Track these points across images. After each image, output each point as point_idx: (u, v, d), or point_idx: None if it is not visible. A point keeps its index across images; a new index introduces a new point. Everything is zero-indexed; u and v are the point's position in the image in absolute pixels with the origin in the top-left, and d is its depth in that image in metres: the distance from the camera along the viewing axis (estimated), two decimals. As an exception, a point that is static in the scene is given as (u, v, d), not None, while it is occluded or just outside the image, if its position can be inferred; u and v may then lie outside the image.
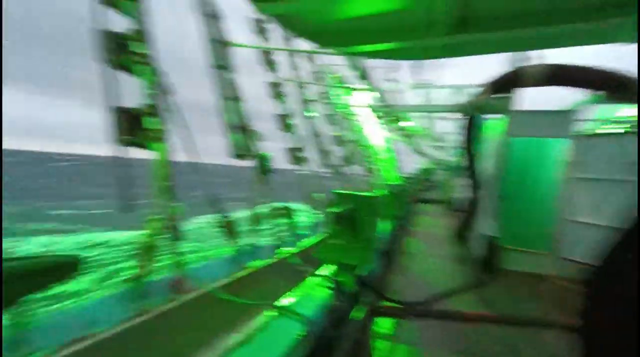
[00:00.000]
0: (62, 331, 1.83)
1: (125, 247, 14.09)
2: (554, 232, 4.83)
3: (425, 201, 13.61)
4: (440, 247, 6.19)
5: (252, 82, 3.69)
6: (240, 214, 3.21)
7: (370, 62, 4.97)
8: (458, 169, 10.45)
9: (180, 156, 2.46)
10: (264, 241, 3.70)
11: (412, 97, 14.90)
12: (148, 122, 2.23)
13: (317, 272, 2.92)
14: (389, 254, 5.05)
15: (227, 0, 3.10)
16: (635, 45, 1.69)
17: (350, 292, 2.54)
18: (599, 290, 0.78)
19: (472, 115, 4.98)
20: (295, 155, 4.77)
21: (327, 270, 2.95)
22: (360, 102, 5.50)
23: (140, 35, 2.18)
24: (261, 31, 4.18)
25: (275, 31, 4.38)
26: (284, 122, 4.67)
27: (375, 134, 10.40)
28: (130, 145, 2.17)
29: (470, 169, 5.49)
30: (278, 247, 3.62)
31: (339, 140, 6.70)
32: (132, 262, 2.28)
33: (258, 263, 3.05)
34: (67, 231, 18.29)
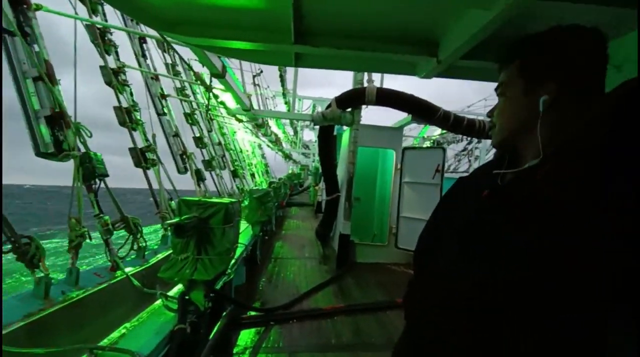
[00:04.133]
0: None
1: None
2: (390, 227, 5.83)
3: (295, 205, 14.27)
4: (306, 248, 6.51)
5: (75, 65, 2.91)
6: (55, 232, 2.42)
7: (234, 63, 4.77)
8: (321, 175, 11.43)
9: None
10: (91, 262, 2.94)
11: (280, 105, 15.44)
12: None
13: (166, 294, 2.50)
14: (254, 262, 4.95)
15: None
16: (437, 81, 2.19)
17: (203, 310, 2.28)
18: (415, 270, 0.91)
19: (327, 125, 5.53)
20: (143, 156, 4.05)
21: (176, 289, 2.57)
22: (221, 103, 5.20)
23: None
24: (89, 0, 3.36)
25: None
26: (127, 117, 3.89)
27: (243, 138, 10.17)
28: None
29: (328, 174, 6.09)
30: (114, 269, 2.94)
31: (201, 142, 6.16)
32: None
33: (77, 293, 2.37)
34: None
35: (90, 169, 2.76)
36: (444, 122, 5.03)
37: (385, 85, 5.89)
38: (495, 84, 0.82)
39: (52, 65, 2.67)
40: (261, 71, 9.61)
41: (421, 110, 4.98)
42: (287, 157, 22.86)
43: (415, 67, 2.09)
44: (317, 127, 5.85)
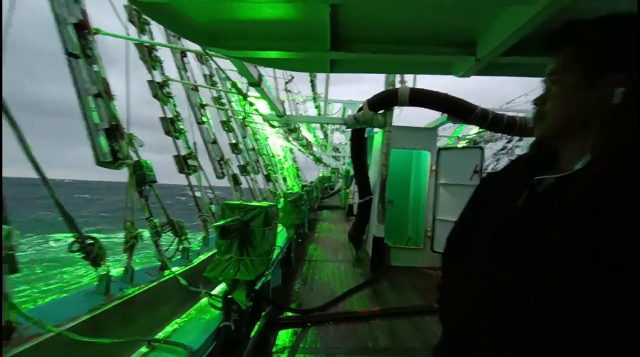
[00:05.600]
0: None
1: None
2: (425, 230, 5.68)
3: (326, 208, 14.35)
4: (338, 251, 6.53)
5: (127, 79, 3.18)
6: (110, 234, 2.67)
7: (267, 71, 4.95)
8: (353, 177, 11.40)
9: (11, 169, 1.87)
10: (144, 262, 3.18)
11: (310, 109, 15.64)
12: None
13: (210, 292, 2.65)
14: (289, 264, 5.06)
15: (90, -21, 2.58)
16: (465, 79, 2.14)
17: (245, 309, 2.38)
18: (445, 272, 0.90)
19: (358, 128, 5.53)
20: (185, 163, 4.32)
21: (219, 288, 2.71)
22: (256, 110, 5.40)
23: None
24: (138, 21, 3.68)
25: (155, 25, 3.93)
26: (171, 127, 4.18)
27: (275, 143, 10.44)
28: None
29: (360, 177, 6.07)
30: (162, 268, 3.16)
31: (236, 148, 6.42)
32: None
33: (133, 290, 2.58)
34: None
35: (141, 176, 3.00)
36: (482, 120, 4.83)
37: (416, 85, 5.78)
38: (536, 79, 0.77)
39: (108, 82, 2.96)
40: (292, 77, 9.84)
41: (457, 110, 4.81)
42: (318, 160, 23.05)
43: (452, 67, 2.05)
44: (348, 129, 5.87)
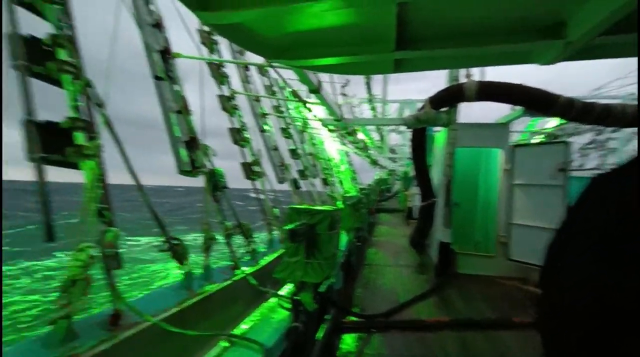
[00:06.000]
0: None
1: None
2: (498, 235, 5.18)
3: (384, 211, 14.03)
4: (399, 256, 6.32)
5: (201, 95, 3.51)
6: (189, 235, 2.97)
7: (323, 76, 5.04)
8: (412, 179, 10.95)
9: (114, 176, 2.20)
10: (218, 262, 3.46)
11: (365, 111, 15.49)
12: (75, 138, 1.97)
13: (277, 293, 2.77)
14: (350, 268, 5.05)
15: (170, 8, 2.93)
16: (544, 67, 1.89)
17: (311, 310, 2.44)
18: (550, 287, 0.81)
19: (419, 127, 5.29)
20: (251, 169, 4.60)
21: (286, 289, 2.82)
22: (314, 116, 5.53)
23: (64, 41, 1.94)
24: (209, 42, 4.04)
25: (225, 42, 4.28)
26: (238, 136, 4.50)
27: (331, 147, 10.56)
28: (53, 164, 1.89)
29: (421, 179, 5.80)
30: (234, 268, 3.39)
31: (295, 154, 6.65)
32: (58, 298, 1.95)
33: (211, 287, 2.81)
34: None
35: (215, 183, 3.28)
36: (566, 111, 4.23)
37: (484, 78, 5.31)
38: (632, 60, 0.66)
39: (187, 100, 3.30)
40: (348, 81, 9.87)
41: (536, 101, 4.27)
42: (374, 162, 22.68)
43: (532, 55, 1.84)
44: (406, 130, 5.66)
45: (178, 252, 2.51)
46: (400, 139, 21.31)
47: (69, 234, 2.11)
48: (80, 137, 2.01)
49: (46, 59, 1.94)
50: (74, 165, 2.05)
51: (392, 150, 22.75)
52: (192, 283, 2.75)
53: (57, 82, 2.07)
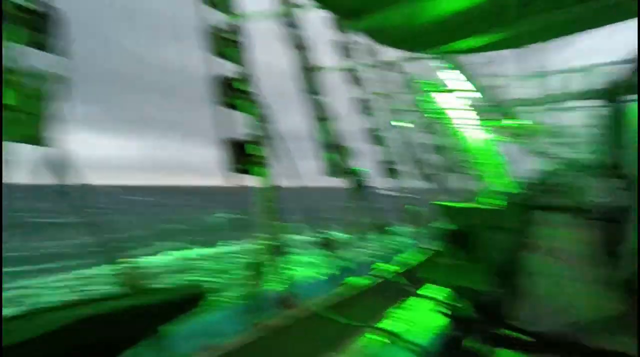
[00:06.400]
0: (187, 341, 2.02)
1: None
2: None
3: (550, 209, 11.34)
4: (573, 265, 4.98)
5: (341, 102, 3.79)
6: (339, 232, 3.25)
7: (465, 59, 4.55)
8: (594, 168, 8.37)
9: (283, 180, 2.64)
10: (364, 258, 3.63)
11: (521, 89, 12.85)
12: (254, 150, 2.49)
13: (423, 294, 2.68)
14: (509, 275, 4.30)
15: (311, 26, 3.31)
16: None
17: (467, 319, 2.23)
18: None
19: (614, 100, 3.96)
20: (389, 168, 4.62)
21: (436, 292, 2.68)
22: (457, 105, 5.03)
23: (244, 76, 2.49)
24: (346, 51, 4.29)
25: (359, 49, 4.43)
26: (375, 136, 4.60)
27: (479, 137, 9.30)
28: (240, 172, 2.44)
29: (615, 167, 4.33)
30: (378, 265, 3.49)
31: (436, 148, 6.22)
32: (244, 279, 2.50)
33: (358, 281, 2.99)
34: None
35: (357, 182, 3.47)
36: None
37: None
38: None
39: (328, 107, 3.62)
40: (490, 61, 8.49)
41: None
42: (536, 151, 18.58)
43: None
44: (582, 106, 4.39)
45: (330, 247, 2.80)
46: (573, 119, 16.64)
47: (246, 228, 2.68)
48: (257, 150, 2.53)
49: (233, 92, 2.54)
50: (253, 173, 2.60)
51: (562, 134, 18.06)
52: (341, 276, 2.99)
53: (237, 108, 2.66)
